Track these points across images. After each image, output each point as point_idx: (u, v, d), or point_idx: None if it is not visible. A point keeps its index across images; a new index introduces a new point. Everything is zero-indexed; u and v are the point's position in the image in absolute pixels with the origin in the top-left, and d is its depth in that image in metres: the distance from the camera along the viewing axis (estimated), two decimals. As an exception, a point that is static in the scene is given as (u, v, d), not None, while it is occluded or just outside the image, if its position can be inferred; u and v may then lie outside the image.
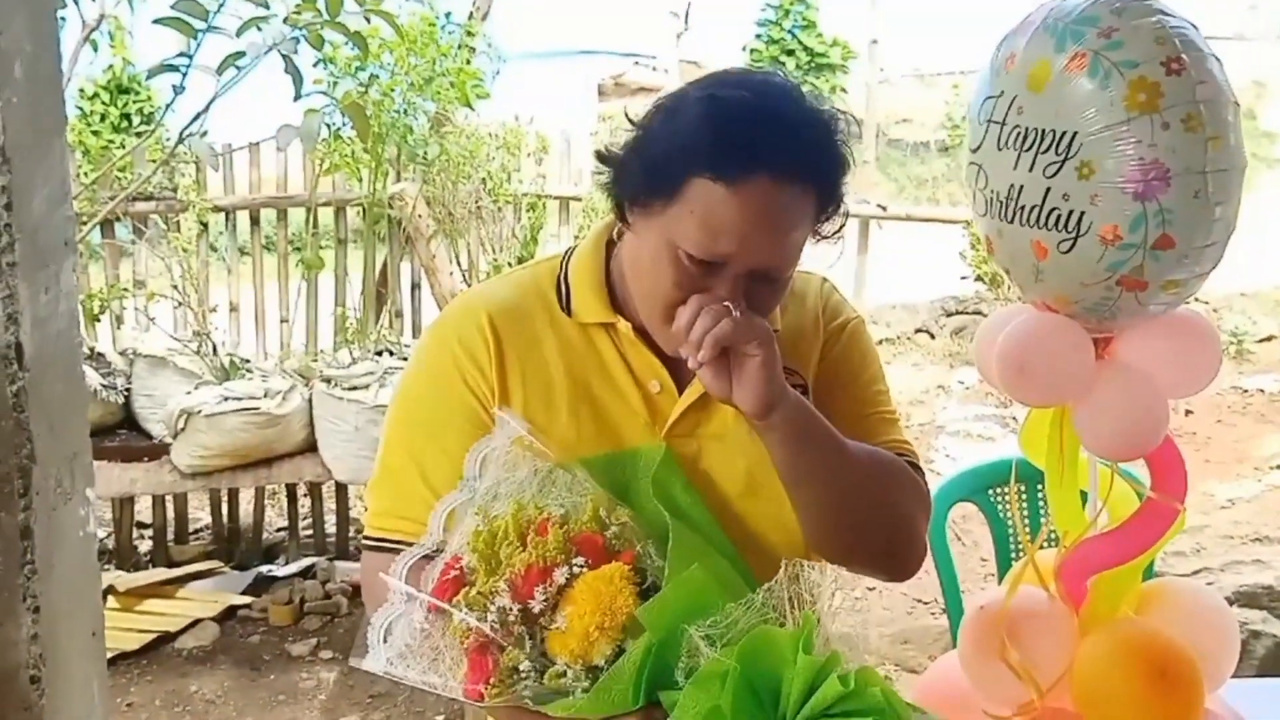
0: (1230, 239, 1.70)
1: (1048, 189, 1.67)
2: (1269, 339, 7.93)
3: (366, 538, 1.43)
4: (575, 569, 1.17)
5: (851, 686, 1.13)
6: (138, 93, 7.26)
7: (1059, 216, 1.67)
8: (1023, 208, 1.71)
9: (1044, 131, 1.66)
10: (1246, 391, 7.33)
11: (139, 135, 7.05)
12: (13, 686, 2.19)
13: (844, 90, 10.98)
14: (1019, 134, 1.69)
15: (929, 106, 12.53)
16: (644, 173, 1.31)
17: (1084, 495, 2.01)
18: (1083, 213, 1.65)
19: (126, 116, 7.27)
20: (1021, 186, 1.70)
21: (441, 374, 1.39)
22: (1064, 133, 1.64)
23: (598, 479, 1.29)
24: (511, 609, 1.15)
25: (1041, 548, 2.09)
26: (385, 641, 1.22)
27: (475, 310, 1.41)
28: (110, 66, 7.13)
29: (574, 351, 1.40)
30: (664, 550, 1.20)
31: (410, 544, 1.36)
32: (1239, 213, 1.68)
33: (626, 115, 1.39)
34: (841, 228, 1.40)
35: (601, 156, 1.37)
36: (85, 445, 2.42)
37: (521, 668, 1.17)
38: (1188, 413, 6.84)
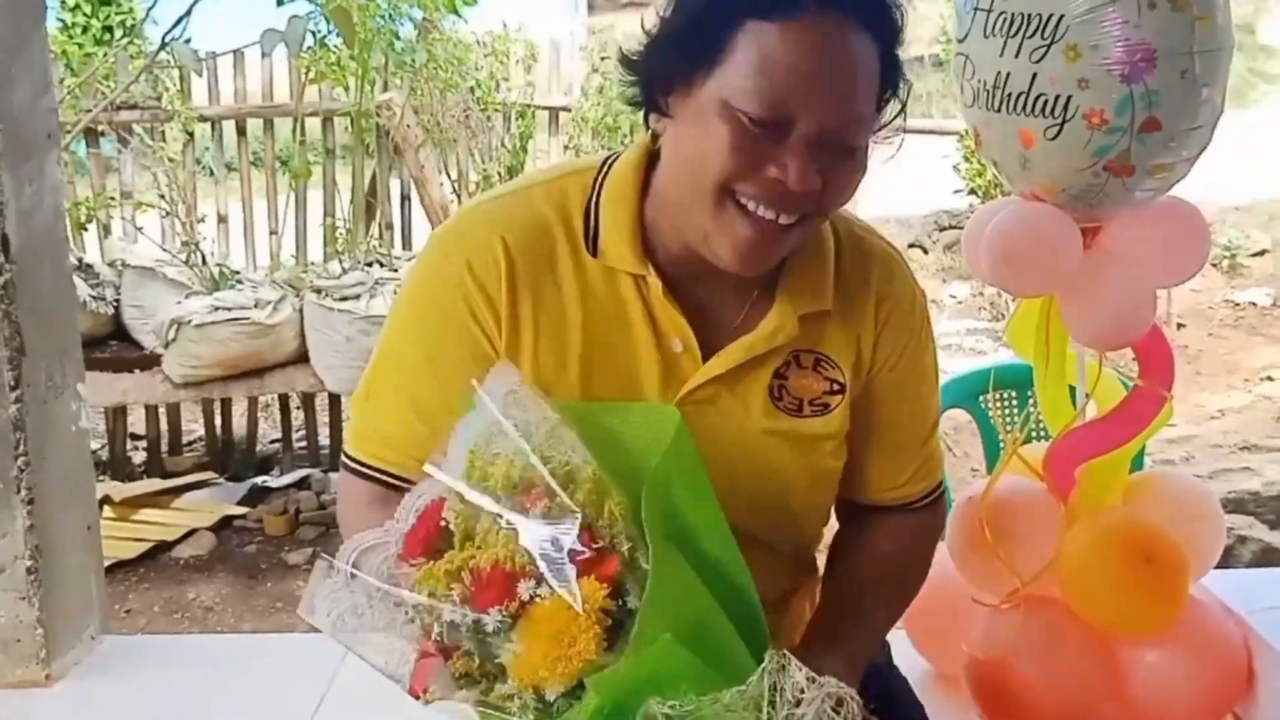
0: (1217, 123, 1.68)
1: (1034, 74, 1.65)
2: (1261, 253, 7.92)
3: (346, 455, 1.31)
4: (539, 594, 1.01)
5: None
6: (120, 4, 7.15)
7: (1045, 102, 1.65)
8: (1009, 95, 1.69)
9: (1030, 15, 1.64)
10: (1238, 305, 7.34)
11: (122, 48, 6.96)
12: (10, 578, 2.22)
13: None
14: (1005, 19, 1.67)
15: (923, 21, 12.36)
16: (684, 36, 1.14)
17: (1072, 391, 2.02)
18: (1069, 97, 1.64)
19: (109, 28, 7.16)
20: (1008, 74, 1.68)
21: (446, 298, 1.24)
22: (1050, 15, 1.62)
23: (613, 430, 1.12)
24: (464, 620, 1.02)
25: (1026, 442, 2.11)
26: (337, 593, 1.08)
27: (489, 232, 1.23)
28: (91, -25, 7.04)
29: (595, 298, 1.24)
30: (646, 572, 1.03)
31: (390, 474, 1.26)
32: (1225, 95, 1.67)
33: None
34: (900, 116, 1.23)
35: (625, 59, 1.21)
36: (75, 340, 2.43)
37: (470, 674, 1.05)
38: (1180, 326, 6.86)
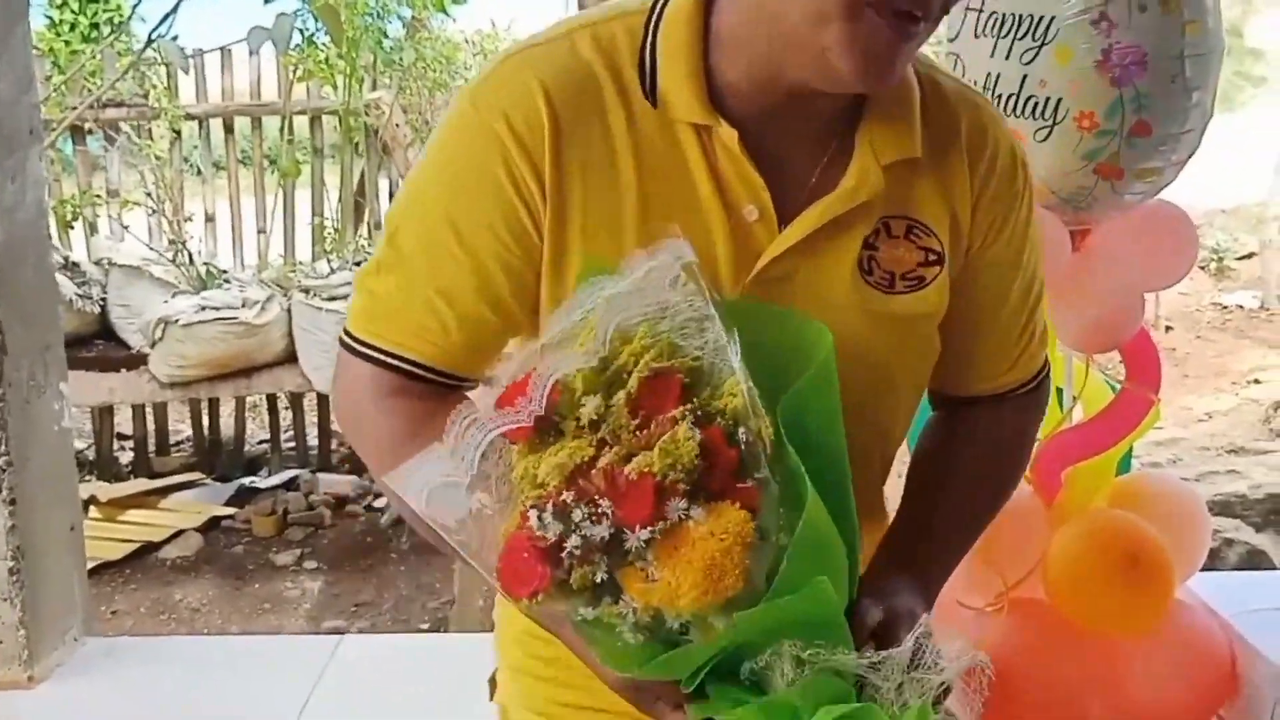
0: (1206, 126, 1.69)
1: (1025, 75, 1.65)
2: (1249, 256, 7.96)
3: (350, 335, 1.11)
4: (691, 516, 0.89)
5: None
6: (107, 1, 7.12)
7: (1036, 104, 1.65)
8: (999, 96, 1.69)
9: (1021, 16, 1.64)
10: (1226, 308, 7.37)
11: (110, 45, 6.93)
12: (-8, 579, 2.22)
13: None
14: (996, 20, 1.67)
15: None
16: None
17: (1059, 392, 2.02)
18: (1060, 99, 1.64)
19: (95, 25, 7.13)
20: (999, 75, 1.69)
21: (480, 154, 1.05)
22: (1041, 17, 1.62)
23: (757, 338, 0.97)
24: (597, 536, 0.90)
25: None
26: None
27: (529, 77, 1.05)
28: (78, -28, 7.00)
29: (654, 155, 1.06)
30: (790, 516, 0.94)
31: (410, 360, 1.08)
32: (1215, 100, 1.67)
33: None
34: None
35: None
36: (58, 338, 2.42)
37: (588, 588, 0.93)
38: (1168, 328, 6.88)
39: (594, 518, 0.89)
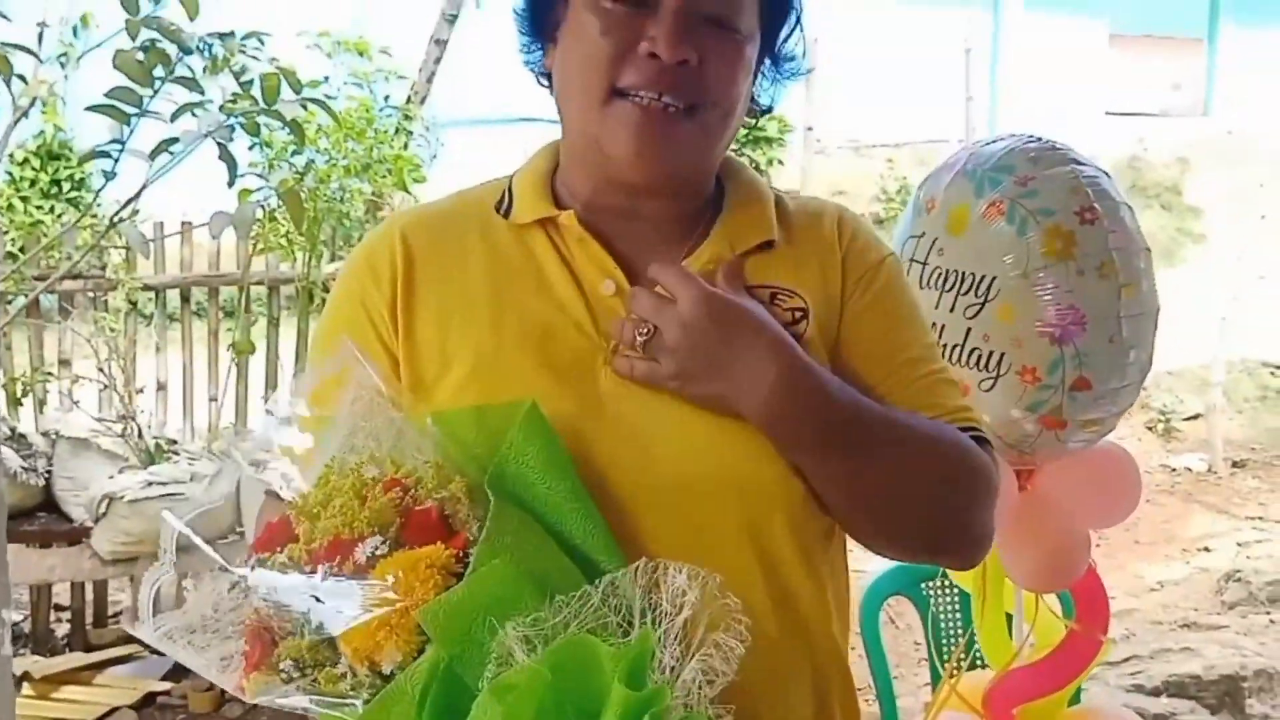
0: (1144, 379, 1.73)
1: (969, 329, 1.70)
2: (1195, 417, 8.09)
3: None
4: (377, 549, 0.94)
5: None
6: (69, 159, 7.16)
7: (980, 356, 1.69)
8: (945, 346, 1.73)
9: (964, 274, 1.69)
10: (1174, 470, 7.46)
11: (69, 202, 6.96)
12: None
13: (781, 162, 11.13)
14: (940, 275, 1.72)
15: (865, 177, 12.73)
16: None
17: (1009, 617, 2.03)
18: (1003, 354, 1.68)
19: (57, 183, 7.16)
20: (944, 326, 1.73)
21: (343, 297, 1.20)
22: (983, 276, 1.67)
23: (466, 437, 1.04)
24: (293, 587, 0.94)
25: (959, 665, 2.10)
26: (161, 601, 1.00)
27: (390, 227, 1.20)
28: (41, 133, 7.05)
29: (502, 257, 1.17)
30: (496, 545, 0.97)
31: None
32: (1152, 355, 1.71)
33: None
34: (802, 46, 1.19)
35: (520, 30, 1.21)
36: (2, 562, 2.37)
37: (294, 661, 0.95)
38: (1117, 491, 6.95)
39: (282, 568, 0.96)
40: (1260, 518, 6.68)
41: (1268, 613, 5.28)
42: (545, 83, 1.20)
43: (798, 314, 1.14)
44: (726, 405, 1.06)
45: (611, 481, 1.06)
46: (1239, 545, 6.24)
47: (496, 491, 0.98)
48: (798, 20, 1.18)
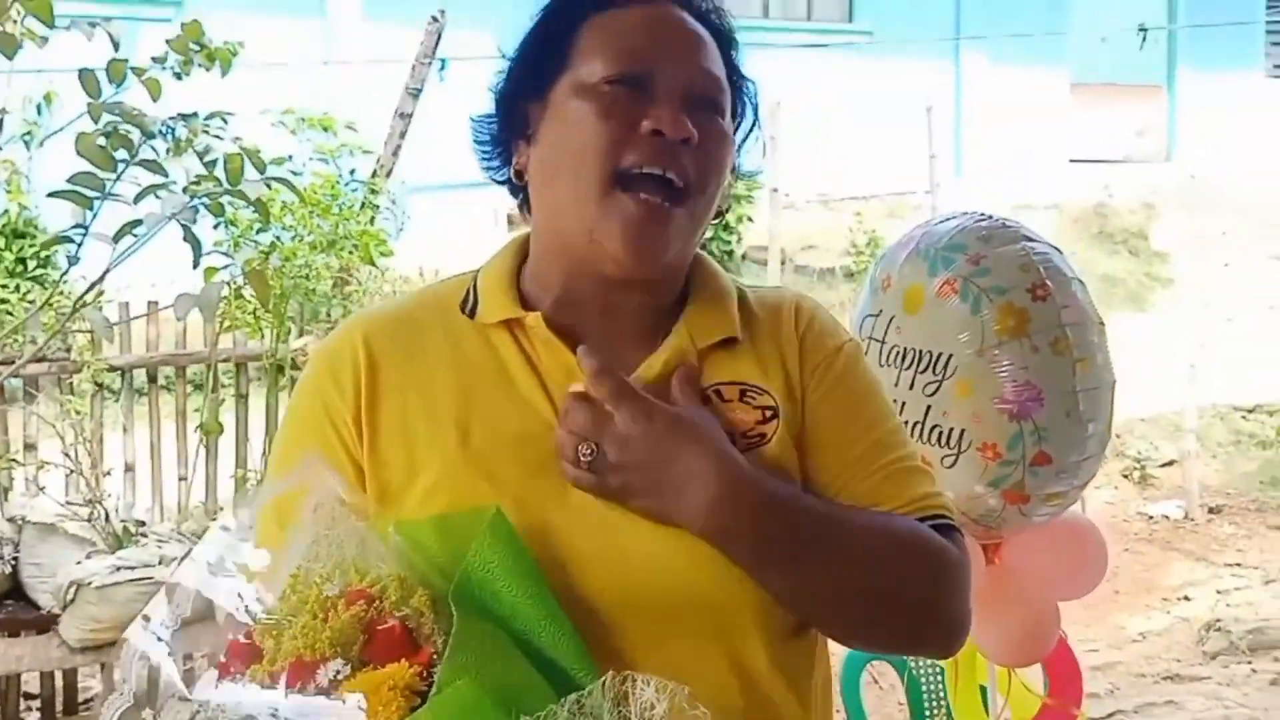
0: (1105, 450, 1.73)
1: (929, 406, 1.70)
2: (1170, 463, 8.11)
3: None
4: (339, 671, 0.93)
5: None
6: (33, 238, 7.12)
7: (941, 433, 1.70)
8: (907, 422, 1.73)
9: (921, 352, 1.69)
10: (1152, 518, 7.46)
11: (35, 280, 6.92)
12: None
13: (750, 219, 11.21)
14: (898, 353, 1.72)
15: (834, 231, 12.81)
16: (532, 52, 1.16)
17: (984, 690, 2.01)
18: (963, 430, 1.68)
19: (22, 261, 7.12)
20: (904, 403, 1.73)
21: (305, 404, 1.18)
22: (940, 354, 1.67)
23: (430, 546, 1.03)
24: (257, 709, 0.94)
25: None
26: None
27: (352, 331, 1.19)
28: (5, 211, 7.01)
29: (467, 359, 1.15)
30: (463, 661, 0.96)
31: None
32: (1111, 426, 1.72)
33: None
34: (754, 127, 1.21)
35: (477, 118, 1.20)
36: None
37: None
38: (1096, 539, 6.95)
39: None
40: (1238, 564, 6.68)
41: (1249, 661, 5.27)
42: (513, 184, 1.20)
43: (768, 412, 1.14)
44: (668, 519, 1.06)
45: (579, 583, 1.05)
46: (1218, 593, 6.23)
47: (461, 603, 0.97)
48: (755, 121, 1.20)
